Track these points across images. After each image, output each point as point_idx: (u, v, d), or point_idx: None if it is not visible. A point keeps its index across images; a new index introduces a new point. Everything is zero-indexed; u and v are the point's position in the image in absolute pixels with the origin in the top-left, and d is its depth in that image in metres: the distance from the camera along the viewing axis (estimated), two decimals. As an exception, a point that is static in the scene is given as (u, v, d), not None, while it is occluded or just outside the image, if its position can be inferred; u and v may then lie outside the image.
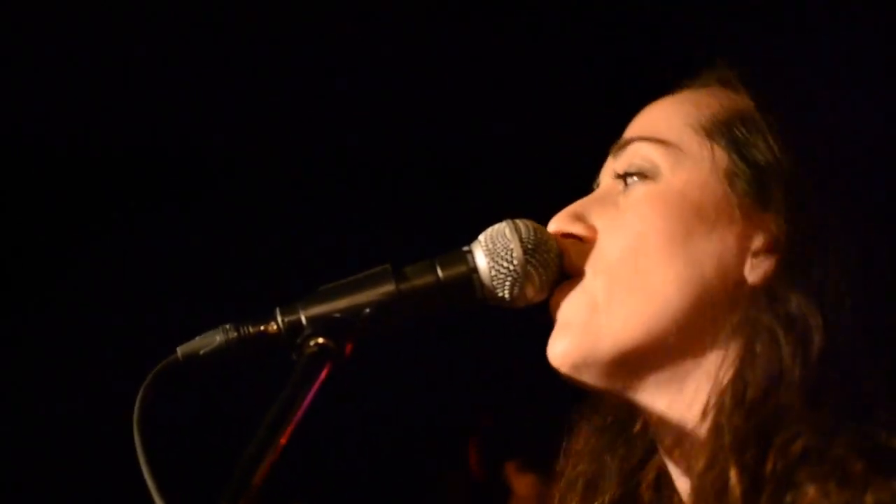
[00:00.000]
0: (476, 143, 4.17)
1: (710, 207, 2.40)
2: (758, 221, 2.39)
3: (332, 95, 4.33)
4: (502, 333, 3.92)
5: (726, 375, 2.32)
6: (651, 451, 2.54)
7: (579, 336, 2.42)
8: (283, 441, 2.24)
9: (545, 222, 2.52)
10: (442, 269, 2.46)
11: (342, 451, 4.29)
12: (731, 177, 2.41)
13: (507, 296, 2.46)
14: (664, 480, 2.52)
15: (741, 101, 2.48)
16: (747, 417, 2.27)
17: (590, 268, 2.45)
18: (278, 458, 2.21)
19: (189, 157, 4.37)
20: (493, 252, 2.45)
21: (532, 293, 2.46)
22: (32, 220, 4.38)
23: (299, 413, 2.27)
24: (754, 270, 2.37)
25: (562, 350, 2.43)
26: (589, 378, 2.45)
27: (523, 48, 4.12)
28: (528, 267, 2.44)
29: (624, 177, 2.49)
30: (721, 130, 2.45)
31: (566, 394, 2.74)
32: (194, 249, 4.29)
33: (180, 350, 2.45)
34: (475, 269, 2.46)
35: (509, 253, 2.44)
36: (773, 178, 2.39)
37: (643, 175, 2.46)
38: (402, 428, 4.34)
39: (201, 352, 2.44)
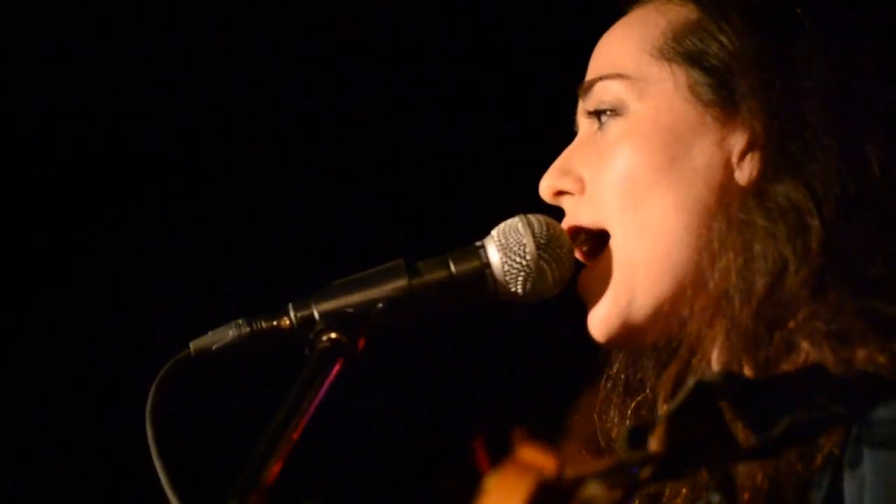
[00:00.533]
0: (487, 138, 4.18)
1: (684, 126, 2.42)
2: (733, 125, 2.41)
3: (339, 91, 4.33)
4: (509, 330, 3.93)
5: (733, 280, 2.32)
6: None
7: (611, 301, 2.44)
8: (295, 436, 2.24)
9: (557, 219, 2.52)
10: (455, 265, 2.47)
11: (349, 450, 4.28)
12: (694, 90, 2.43)
13: (519, 291, 2.46)
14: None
15: (686, 11, 2.48)
16: (756, 317, 2.29)
17: (592, 223, 2.47)
18: (291, 453, 2.21)
19: (198, 153, 4.36)
20: (505, 247, 2.45)
21: (544, 288, 2.47)
22: (40, 218, 4.38)
23: (312, 407, 2.28)
24: (742, 172, 2.39)
25: (601, 317, 2.46)
26: (634, 333, 2.48)
27: (529, 46, 4.13)
28: (541, 262, 2.45)
29: (596, 115, 2.50)
30: (673, 47, 2.46)
31: (571, 390, 2.75)
32: (208, 244, 4.28)
33: (193, 345, 2.45)
34: (488, 265, 2.46)
35: (522, 248, 2.45)
36: (734, 77, 2.41)
37: (613, 111, 2.47)
38: (408, 426, 4.33)
39: (214, 347, 2.44)
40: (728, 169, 2.40)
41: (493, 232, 2.49)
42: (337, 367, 2.34)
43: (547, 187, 2.53)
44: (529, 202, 2.53)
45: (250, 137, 4.36)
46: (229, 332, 2.44)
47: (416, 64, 4.24)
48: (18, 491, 4.24)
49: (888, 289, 2.24)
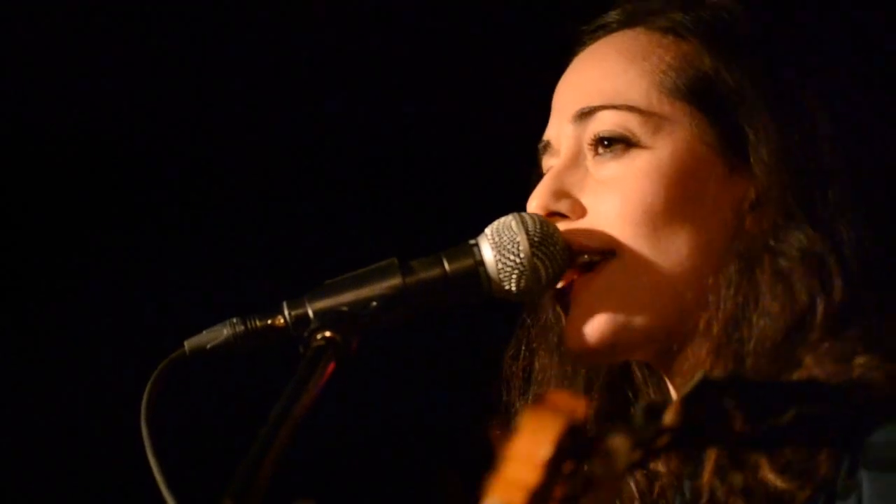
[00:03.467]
0: (479, 136, 4.18)
1: (702, 170, 2.40)
2: (748, 172, 2.39)
3: (332, 89, 4.33)
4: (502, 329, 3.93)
5: (741, 328, 2.32)
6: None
7: (610, 320, 2.42)
8: (290, 434, 2.24)
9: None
10: (448, 263, 2.46)
11: (343, 450, 4.28)
12: (709, 134, 2.40)
13: (513, 289, 2.46)
14: None
15: (691, 49, 2.45)
16: (765, 359, 2.28)
17: (596, 246, 2.44)
18: (286, 451, 2.21)
19: (191, 153, 4.37)
20: (499, 245, 2.45)
21: (538, 286, 2.46)
22: (35, 217, 4.38)
23: (307, 406, 2.27)
24: (756, 219, 2.37)
25: (595, 336, 2.43)
26: (617, 356, 2.49)
27: (520, 44, 4.14)
28: (535, 260, 2.44)
29: (595, 143, 2.46)
30: (684, 88, 2.42)
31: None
32: (202, 243, 4.29)
33: (187, 344, 2.45)
34: (482, 263, 2.45)
35: (516, 246, 2.44)
36: (745, 126, 2.38)
37: (621, 143, 2.44)
38: (401, 426, 4.34)
39: (208, 345, 2.44)
40: (742, 214, 2.38)
41: (487, 230, 2.48)
42: (331, 366, 2.33)
43: (540, 208, 2.49)
44: (522, 201, 2.53)
45: (243, 137, 4.37)
46: (224, 331, 2.44)
47: (406, 63, 4.24)
48: (13, 491, 4.25)
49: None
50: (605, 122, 2.46)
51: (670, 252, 2.38)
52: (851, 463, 2.16)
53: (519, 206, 2.51)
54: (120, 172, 4.39)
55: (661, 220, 2.39)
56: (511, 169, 2.68)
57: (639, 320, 2.41)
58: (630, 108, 2.44)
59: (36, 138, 4.41)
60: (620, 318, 2.42)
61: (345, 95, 4.33)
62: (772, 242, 2.33)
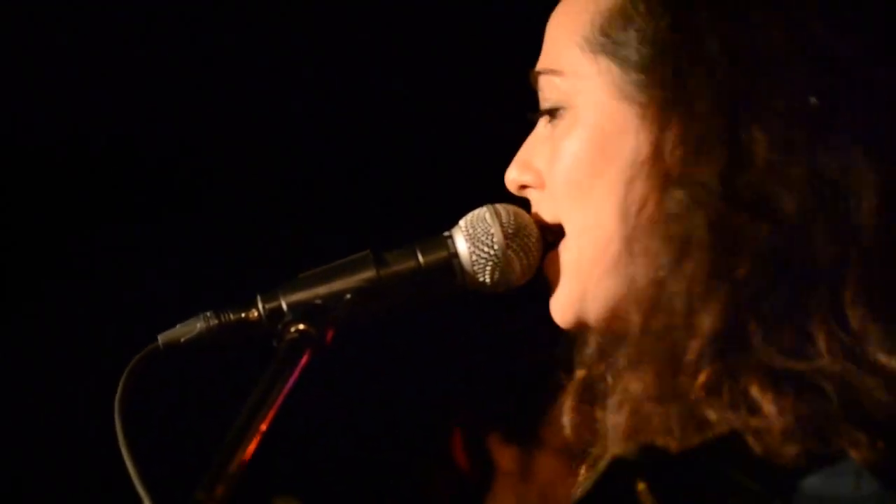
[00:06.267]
0: (454, 129, 4.19)
1: (615, 125, 2.32)
2: (667, 114, 2.26)
3: (306, 79, 4.35)
4: (479, 322, 3.93)
5: (661, 301, 2.20)
6: None
7: (566, 296, 2.41)
8: (263, 428, 2.24)
9: (525, 209, 2.51)
10: (422, 255, 2.45)
11: (326, 447, 4.29)
12: (620, 87, 2.32)
13: (487, 281, 2.45)
14: None
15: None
16: (670, 353, 2.16)
17: (551, 219, 2.43)
18: (259, 446, 2.21)
19: (166, 146, 4.38)
20: (473, 237, 2.45)
21: (513, 278, 2.46)
22: (9, 214, 4.39)
23: (279, 399, 2.27)
24: (680, 160, 2.24)
25: (558, 311, 2.42)
26: (594, 325, 2.40)
27: (494, 31, 4.15)
28: (509, 251, 2.44)
29: (544, 113, 2.44)
30: (599, 39, 2.34)
31: (543, 381, 2.73)
32: (175, 237, 4.30)
33: (161, 338, 2.45)
34: (455, 254, 2.45)
35: (490, 237, 2.44)
36: (650, 72, 2.30)
37: (557, 108, 2.40)
38: (386, 423, 4.34)
39: (182, 339, 2.44)
40: (673, 158, 2.25)
41: (461, 222, 2.48)
42: (305, 359, 2.33)
43: (511, 181, 2.50)
44: (496, 192, 2.52)
45: (217, 130, 4.38)
46: (197, 325, 2.44)
47: (382, 53, 4.25)
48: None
49: (790, 328, 2.12)
50: (543, 89, 2.44)
51: (603, 222, 2.33)
52: None
53: (493, 197, 2.50)
54: (93, 168, 4.40)
55: (586, 189, 2.35)
56: (485, 158, 2.68)
57: (593, 295, 2.38)
58: (557, 73, 2.41)
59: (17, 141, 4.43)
60: (575, 294, 2.40)
61: (317, 85, 4.33)
62: (667, 201, 2.22)
